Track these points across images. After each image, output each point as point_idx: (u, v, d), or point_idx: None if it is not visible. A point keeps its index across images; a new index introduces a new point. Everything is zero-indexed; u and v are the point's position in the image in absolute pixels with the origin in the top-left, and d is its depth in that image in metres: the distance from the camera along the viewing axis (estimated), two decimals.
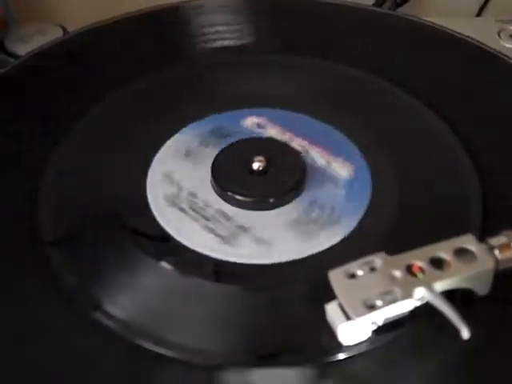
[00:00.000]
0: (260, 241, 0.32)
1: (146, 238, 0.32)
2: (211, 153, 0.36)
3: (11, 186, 0.35)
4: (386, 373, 0.28)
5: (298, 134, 0.37)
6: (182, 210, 0.34)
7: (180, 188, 0.35)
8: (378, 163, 0.36)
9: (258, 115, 0.39)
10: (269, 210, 0.34)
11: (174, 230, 0.33)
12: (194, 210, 0.34)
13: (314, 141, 0.37)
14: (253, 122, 0.38)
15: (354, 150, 0.37)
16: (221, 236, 0.33)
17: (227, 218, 0.33)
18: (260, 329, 0.29)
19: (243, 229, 0.33)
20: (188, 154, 0.37)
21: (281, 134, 0.38)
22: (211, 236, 0.33)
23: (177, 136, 0.38)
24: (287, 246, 0.32)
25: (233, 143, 0.37)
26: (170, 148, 0.37)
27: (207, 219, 0.33)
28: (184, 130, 0.38)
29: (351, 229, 0.33)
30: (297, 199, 0.34)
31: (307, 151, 0.36)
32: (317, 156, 0.36)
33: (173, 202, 0.34)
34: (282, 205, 0.34)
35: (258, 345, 0.29)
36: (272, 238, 0.32)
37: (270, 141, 0.37)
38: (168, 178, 0.35)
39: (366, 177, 0.35)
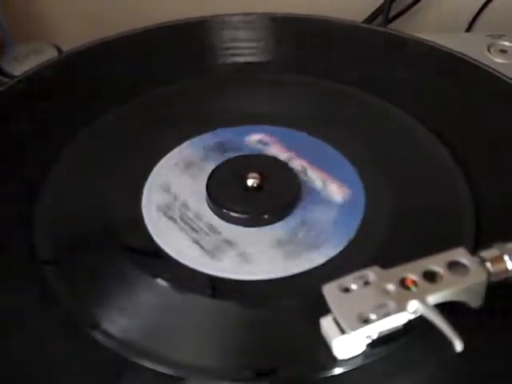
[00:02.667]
0: (249, 256, 0.33)
1: (137, 254, 0.33)
2: (210, 167, 0.37)
3: (8, 206, 0.36)
4: None
5: (299, 153, 0.38)
6: (174, 220, 0.34)
7: (175, 199, 0.36)
8: (373, 181, 0.36)
9: (261, 132, 0.39)
10: (258, 226, 0.34)
11: (166, 244, 0.33)
12: (184, 221, 0.34)
13: (314, 160, 0.37)
14: (256, 139, 0.39)
15: (350, 170, 0.37)
16: (206, 249, 0.33)
17: (215, 231, 0.34)
18: (257, 345, 0.29)
19: (231, 243, 0.33)
20: (188, 167, 0.37)
21: (282, 152, 0.38)
22: (198, 248, 0.33)
23: (177, 149, 0.38)
24: (282, 263, 0.32)
25: (230, 159, 0.37)
26: (170, 161, 0.38)
27: (195, 231, 0.34)
28: (186, 143, 0.39)
29: (341, 247, 0.33)
30: (287, 218, 0.34)
31: (306, 171, 0.37)
32: (314, 176, 0.37)
33: (166, 213, 0.35)
34: (272, 223, 0.34)
35: (255, 361, 0.29)
36: (262, 255, 0.33)
37: (267, 158, 0.37)
38: (164, 189, 0.36)
39: (360, 194, 0.36)
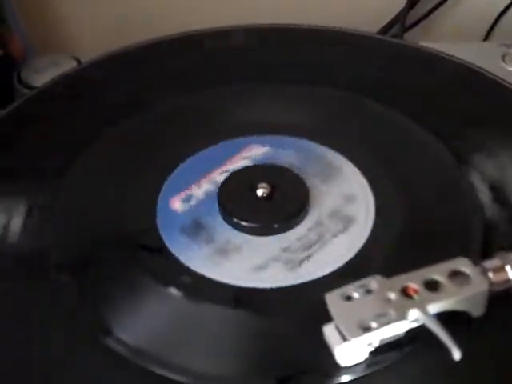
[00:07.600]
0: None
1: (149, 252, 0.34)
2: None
3: (24, 215, 0.36)
4: None
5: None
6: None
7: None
8: (382, 189, 0.37)
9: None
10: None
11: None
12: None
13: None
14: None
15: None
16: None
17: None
18: (275, 352, 0.30)
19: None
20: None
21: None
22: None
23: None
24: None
25: (239, 169, 0.38)
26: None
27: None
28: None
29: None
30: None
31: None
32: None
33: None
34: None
35: (274, 368, 0.29)
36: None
37: (275, 168, 0.38)
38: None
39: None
